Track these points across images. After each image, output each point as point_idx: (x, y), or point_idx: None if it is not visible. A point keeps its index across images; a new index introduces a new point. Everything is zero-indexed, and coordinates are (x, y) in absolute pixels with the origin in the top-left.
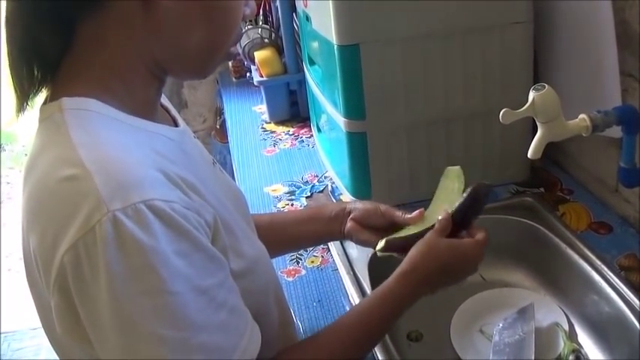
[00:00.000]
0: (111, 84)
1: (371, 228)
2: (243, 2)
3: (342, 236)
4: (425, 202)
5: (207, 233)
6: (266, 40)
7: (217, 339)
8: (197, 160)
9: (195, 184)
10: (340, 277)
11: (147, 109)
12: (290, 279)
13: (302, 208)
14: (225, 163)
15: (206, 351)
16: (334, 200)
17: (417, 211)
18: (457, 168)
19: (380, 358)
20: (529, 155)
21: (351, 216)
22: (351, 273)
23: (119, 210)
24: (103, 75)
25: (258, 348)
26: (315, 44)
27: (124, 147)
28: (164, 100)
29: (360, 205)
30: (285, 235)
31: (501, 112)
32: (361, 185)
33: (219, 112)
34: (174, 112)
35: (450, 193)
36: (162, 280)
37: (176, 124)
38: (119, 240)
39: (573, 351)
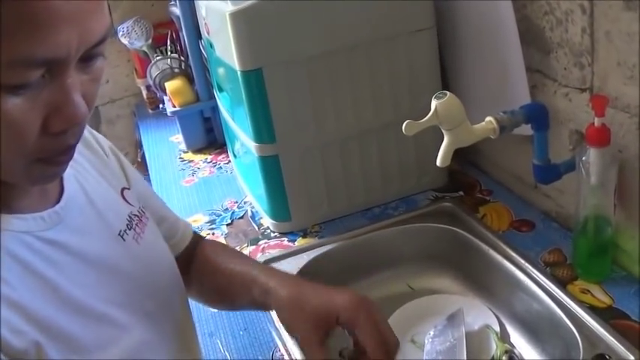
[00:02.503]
0: None
1: None
2: (40, 109)
3: None
4: (343, 219)
5: None
6: (176, 70)
7: None
8: (67, 249)
9: (17, 303)
10: None
11: None
12: (215, 309)
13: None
14: None
15: None
16: (255, 226)
17: None
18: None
19: None
20: (438, 164)
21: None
22: None
23: None
24: None
25: None
26: (222, 70)
27: None
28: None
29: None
30: (229, 293)
31: (404, 125)
32: (279, 208)
33: (139, 145)
34: (72, 179)
35: None
36: None
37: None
38: None
39: (506, 352)
